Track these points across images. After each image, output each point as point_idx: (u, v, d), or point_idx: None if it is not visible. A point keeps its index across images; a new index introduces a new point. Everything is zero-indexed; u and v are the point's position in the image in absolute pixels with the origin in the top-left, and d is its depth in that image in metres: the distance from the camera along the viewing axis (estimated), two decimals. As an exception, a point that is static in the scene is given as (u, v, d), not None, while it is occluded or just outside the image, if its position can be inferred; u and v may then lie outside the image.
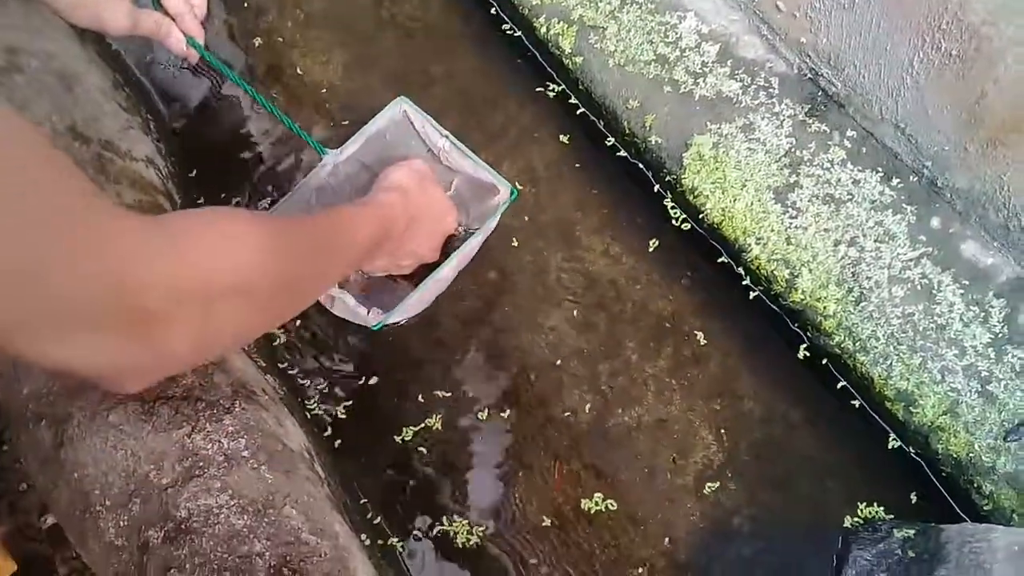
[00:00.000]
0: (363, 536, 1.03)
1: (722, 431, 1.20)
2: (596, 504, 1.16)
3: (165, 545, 0.84)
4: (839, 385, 1.19)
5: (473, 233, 1.20)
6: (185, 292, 0.64)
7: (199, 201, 1.30)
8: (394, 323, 1.19)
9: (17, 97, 0.95)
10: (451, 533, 1.15)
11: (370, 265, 1.15)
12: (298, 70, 1.41)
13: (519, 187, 1.24)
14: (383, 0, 1.48)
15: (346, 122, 1.36)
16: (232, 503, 0.86)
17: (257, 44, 1.43)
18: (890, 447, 1.15)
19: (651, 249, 1.29)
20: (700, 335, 1.25)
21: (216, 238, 0.69)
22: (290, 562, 0.85)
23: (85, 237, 0.55)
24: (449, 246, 1.22)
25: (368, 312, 1.15)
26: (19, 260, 0.52)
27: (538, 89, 1.39)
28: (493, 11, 1.44)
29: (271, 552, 0.85)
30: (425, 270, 1.20)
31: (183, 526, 0.84)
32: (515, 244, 1.30)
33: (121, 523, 0.85)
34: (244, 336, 0.88)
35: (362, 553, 0.95)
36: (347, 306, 1.15)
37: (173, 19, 1.09)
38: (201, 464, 0.87)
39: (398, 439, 1.20)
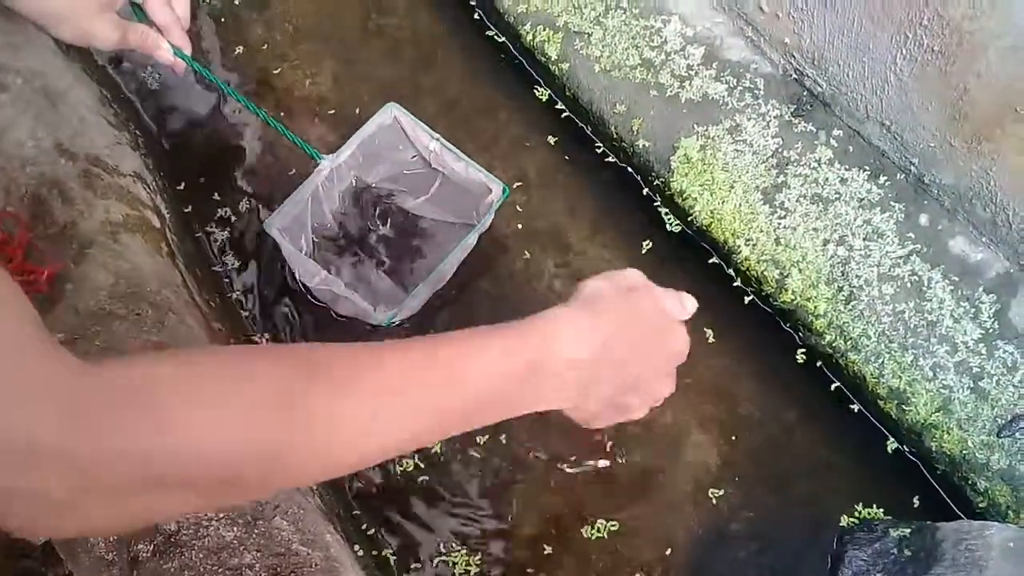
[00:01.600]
0: (356, 546, 1.03)
1: (718, 434, 1.20)
2: (597, 531, 1.16)
3: (155, 559, 0.84)
4: (833, 386, 1.18)
5: (470, 230, 1.21)
6: (116, 482, 0.47)
7: (187, 211, 1.31)
8: (402, 319, 1.20)
9: (1, 116, 0.95)
10: (447, 547, 1.15)
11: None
12: (287, 83, 1.41)
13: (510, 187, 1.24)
14: (371, 12, 1.48)
15: (336, 134, 1.37)
16: (221, 515, 0.86)
17: (246, 57, 1.44)
18: (885, 446, 1.15)
19: (643, 253, 1.29)
20: (693, 338, 1.24)
21: (189, 402, 0.48)
22: (281, 573, 0.85)
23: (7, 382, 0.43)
24: (446, 245, 1.22)
25: (376, 309, 1.16)
26: None
27: (527, 97, 1.39)
28: (479, 20, 1.45)
29: (261, 563, 0.84)
30: (424, 269, 1.22)
31: (172, 539, 0.84)
32: (508, 251, 1.30)
33: (111, 538, 0.85)
34: (196, 510, 0.73)
35: (354, 563, 0.94)
36: (355, 305, 1.15)
37: (160, 31, 1.10)
38: (190, 476, 0.87)
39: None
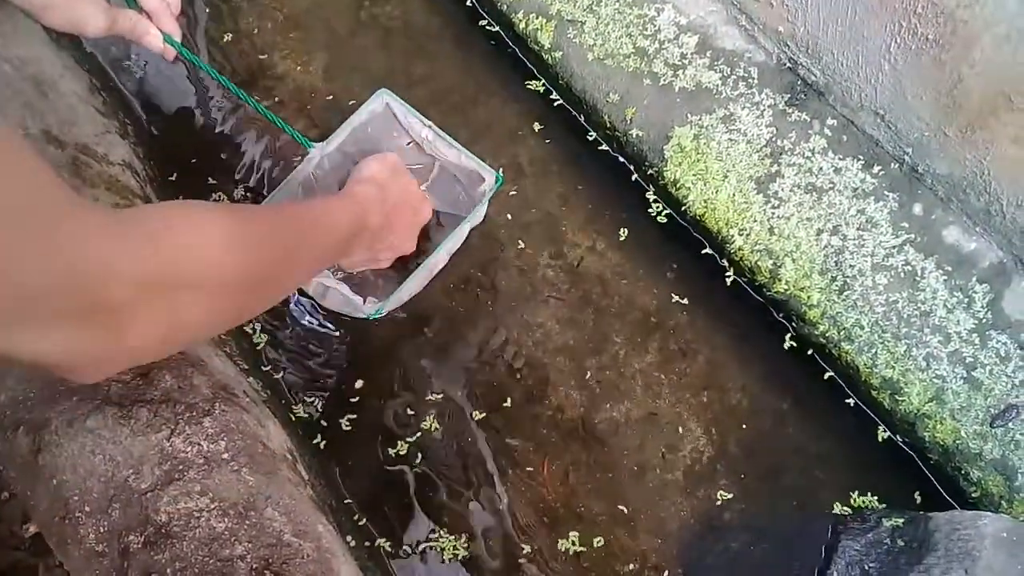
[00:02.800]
0: (348, 537, 1.03)
1: (711, 424, 1.20)
2: (572, 544, 1.16)
3: (146, 550, 0.83)
4: (826, 375, 1.18)
5: (462, 220, 1.20)
6: (148, 284, 0.64)
7: (175, 197, 1.29)
8: (389, 311, 1.19)
9: (-12, 103, 0.94)
10: (438, 534, 1.14)
11: (348, 260, 1.15)
12: (278, 71, 1.40)
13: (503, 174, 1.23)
14: (362, 1, 1.47)
15: (327, 123, 1.36)
16: (213, 506, 0.85)
17: (236, 45, 1.43)
18: (878, 436, 1.15)
19: (636, 243, 1.28)
20: (687, 328, 1.24)
21: (183, 230, 0.69)
22: (272, 564, 0.84)
23: (49, 229, 0.56)
24: (438, 234, 1.22)
25: (364, 302, 1.15)
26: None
27: (520, 86, 1.38)
28: (473, 9, 1.44)
29: (253, 555, 0.84)
30: (401, 263, 1.21)
31: (163, 530, 0.84)
32: (501, 242, 1.29)
33: (101, 529, 0.84)
34: (211, 328, 0.87)
35: (346, 554, 0.94)
36: (341, 297, 1.15)
37: (149, 17, 1.09)
38: (181, 467, 0.86)
39: (384, 438, 1.19)
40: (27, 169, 0.56)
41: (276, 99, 1.38)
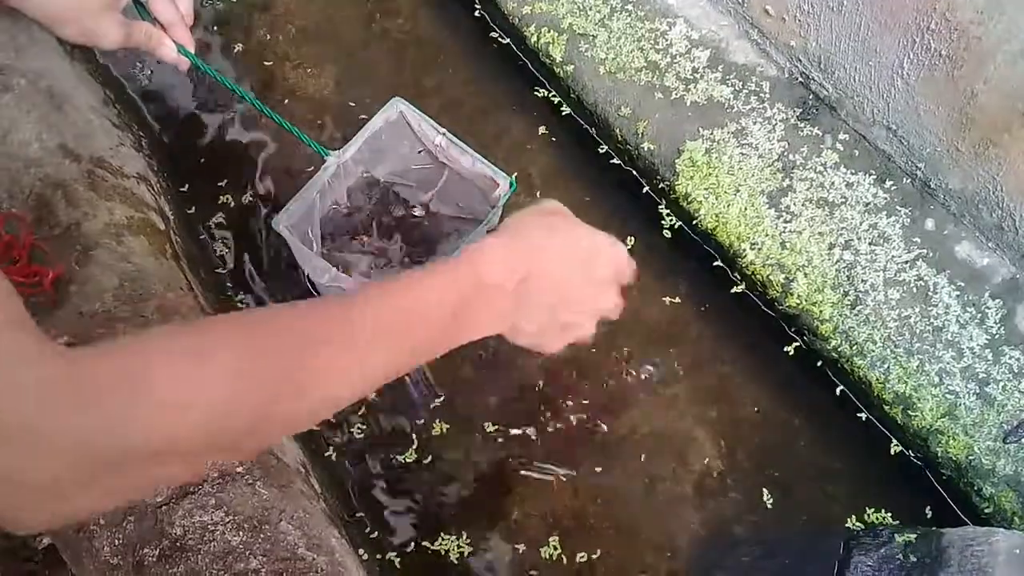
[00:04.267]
0: (360, 551, 1.03)
1: (722, 438, 1.20)
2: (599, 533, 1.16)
3: (160, 563, 0.83)
4: (838, 390, 1.18)
5: (478, 225, 1.21)
6: (96, 460, 0.50)
7: (190, 212, 1.31)
8: None
9: (5, 117, 0.95)
10: (448, 547, 1.14)
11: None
12: (291, 83, 1.41)
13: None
14: (374, 14, 1.48)
15: (340, 135, 1.36)
16: (227, 520, 0.86)
17: (248, 57, 1.43)
18: (891, 451, 1.15)
19: (647, 256, 1.28)
20: (698, 341, 1.24)
21: (165, 387, 0.52)
22: (286, 578, 0.84)
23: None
24: (452, 241, 1.22)
25: None
26: None
27: (530, 98, 1.38)
28: (483, 22, 1.44)
29: (267, 568, 0.84)
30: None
31: (178, 544, 0.84)
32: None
33: (116, 542, 0.85)
34: (181, 482, 0.78)
35: (359, 568, 0.94)
36: None
37: (164, 28, 1.09)
38: (195, 481, 0.86)
39: (395, 450, 1.19)
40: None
41: (288, 111, 1.38)
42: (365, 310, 0.65)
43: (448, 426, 1.20)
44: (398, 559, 1.13)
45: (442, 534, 1.15)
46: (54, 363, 0.49)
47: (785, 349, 1.21)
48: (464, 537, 1.15)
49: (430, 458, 1.19)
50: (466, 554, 1.14)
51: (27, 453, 0.47)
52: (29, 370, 0.47)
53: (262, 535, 0.86)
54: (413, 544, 1.15)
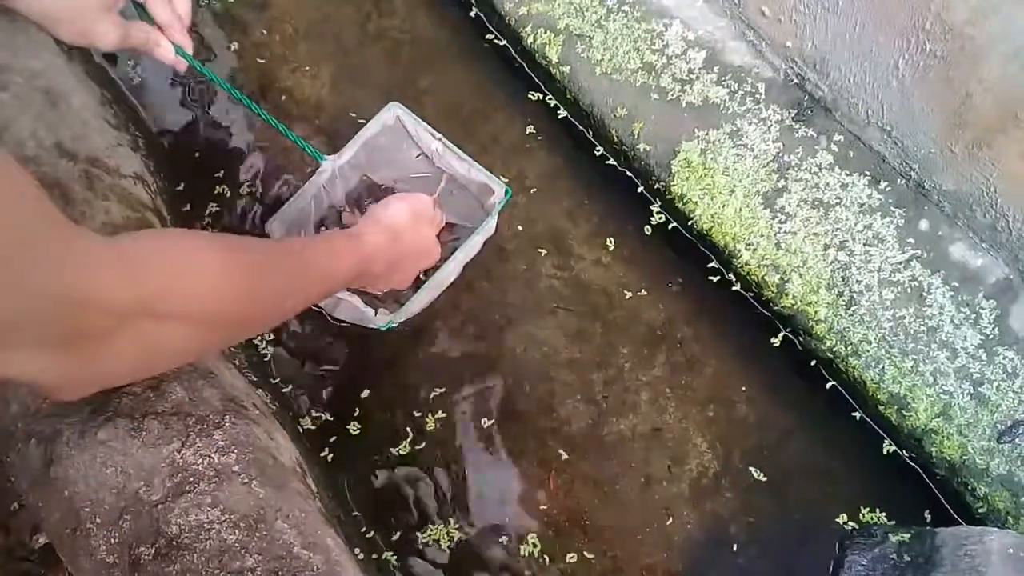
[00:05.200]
0: (356, 550, 1.03)
1: (717, 438, 1.20)
2: (578, 556, 1.16)
3: (156, 562, 0.83)
4: (832, 390, 1.19)
5: (473, 232, 1.21)
6: (129, 314, 0.64)
7: (185, 210, 1.31)
8: (400, 321, 1.20)
9: (2, 115, 0.95)
10: (445, 546, 1.14)
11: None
12: (287, 84, 1.41)
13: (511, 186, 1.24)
14: (371, 14, 1.48)
15: (336, 137, 1.36)
16: (223, 518, 0.85)
17: (245, 58, 1.43)
18: (883, 450, 1.15)
19: (643, 256, 1.29)
20: (693, 342, 1.25)
21: (175, 261, 0.69)
22: (282, 576, 0.84)
23: (37, 253, 0.56)
24: (448, 246, 1.23)
25: (376, 313, 1.16)
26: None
27: (527, 99, 1.39)
28: (480, 23, 1.45)
29: (263, 567, 0.84)
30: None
31: (174, 542, 0.84)
32: (507, 254, 1.30)
33: (112, 540, 0.84)
34: (191, 356, 0.89)
35: (355, 567, 0.94)
36: (354, 308, 1.15)
37: (161, 29, 1.09)
38: (191, 479, 0.86)
39: (391, 451, 1.19)
40: (15, 193, 0.55)
41: (285, 111, 1.38)
42: (310, 262, 0.93)
43: (443, 425, 1.21)
44: (394, 557, 1.13)
45: (436, 531, 1.15)
46: (87, 238, 0.62)
47: (780, 350, 1.22)
48: (457, 535, 1.15)
49: (424, 456, 1.19)
50: (460, 552, 1.14)
51: (72, 310, 0.59)
52: (71, 242, 0.59)
53: (258, 534, 0.86)
54: (408, 542, 1.15)
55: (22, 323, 0.57)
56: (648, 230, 1.29)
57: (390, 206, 1.12)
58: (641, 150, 1.26)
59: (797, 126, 1.22)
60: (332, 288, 1.01)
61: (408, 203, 1.13)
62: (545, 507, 1.17)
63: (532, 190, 1.34)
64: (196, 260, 0.72)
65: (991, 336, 1.09)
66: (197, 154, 1.36)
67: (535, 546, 1.15)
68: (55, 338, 0.60)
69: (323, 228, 1.26)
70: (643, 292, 1.27)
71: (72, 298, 0.58)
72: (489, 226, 1.23)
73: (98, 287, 0.60)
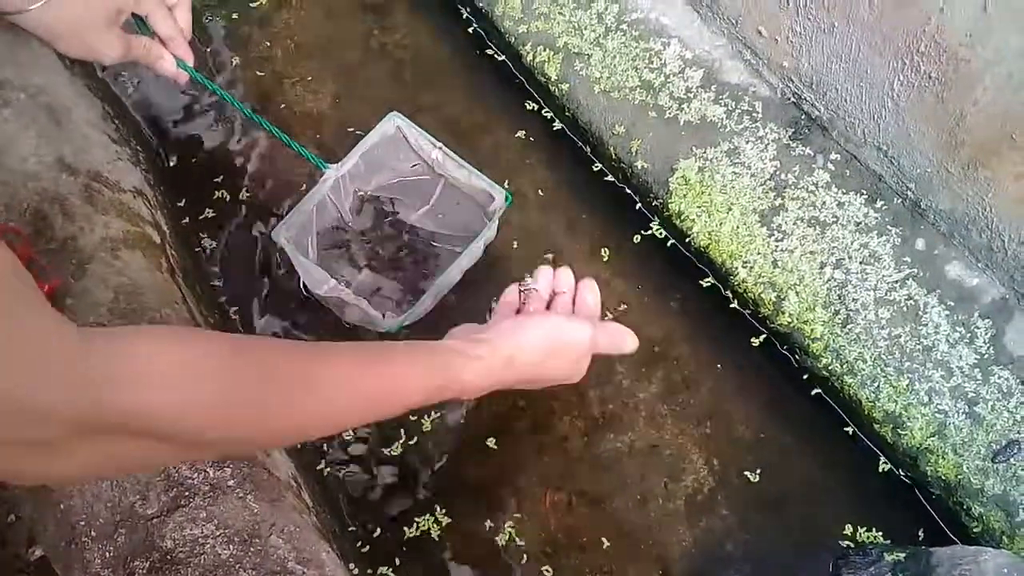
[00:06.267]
0: (352, 565, 1.03)
1: (713, 455, 1.20)
2: (588, 547, 1.16)
3: (151, 576, 0.84)
4: (828, 409, 1.19)
5: (473, 238, 1.23)
6: (99, 428, 0.56)
7: (184, 222, 1.32)
8: (407, 324, 1.21)
9: (5, 131, 0.96)
10: (442, 562, 1.15)
11: None
12: (289, 98, 1.42)
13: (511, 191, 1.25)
14: (373, 30, 1.49)
15: (337, 150, 1.37)
16: (218, 533, 0.86)
17: (248, 72, 1.45)
18: (880, 470, 1.15)
19: (641, 273, 1.29)
20: (690, 359, 1.25)
21: (167, 376, 0.59)
22: (276, 591, 0.85)
23: (5, 346, 0.49)
24: (448, 255, 1.26)
25: (384, 316, 1.17)
26: None
27: (526, 116, 1.40)
28: (480, 40, 1.46)
29: (257, 582, 0.85)
30: (415, 279, 1.25)
31: (168, 557, 0.84)
32: (508, 266, 1.30)
33: (107, 554, 0.85)
34: (155, 467, 0.81)
35: (349, 582, 0.94)
36: (361, 311, 1.16)
37: (163, 43, 1.11)
38: (187, 494, 0.87)
39: (385, 464, 1.19)
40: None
41: (286, 125, 1.39)
42: (351, 373, 0.75)
43: (438, 439, 1.21)
44: (390, 571, 1.13)
45: (431, 549, 1.15)
46: (71, 348, 0.54)
47: (777, 367, 1.22)
48: (452, 553, 1.15)
49: (420, 471, 1.19)
50: (454, 566, 1.14)
51: (33, 421, 0.52)
52: (50, 354, 0.52)
53: (252, 549, 0.86)
54: (404, 559, 1.15)
55: None
56: (645, 246, 1.30)
57: (523, 330, 0.92)
58: (639, 167, 1.26)
59: (794, 145, 1.22)
60: (391, 415, 0.80)
61: (547, 330, 0.93)
62: (541, 523, 1.17)
63: (531, 205, 1.34)
64: (191, 374, 0.61)
65: (986, 355, 1.09)
66: (198, 167, 1.37)
67: (530, 559, 1.15)
68: (11, 441, 0.52)
69: (337, 249, 1.28)
70: (641, 308, 1.28)
71: (32, 406, 0.51)
72: (490, 232, 1.25)
73: (66, 399, 0.53)
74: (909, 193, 1.16)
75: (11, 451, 0.53)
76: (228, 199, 1.35)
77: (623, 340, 1.01)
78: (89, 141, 1.07)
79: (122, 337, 0.60)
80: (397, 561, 1.15)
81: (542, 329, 0.93)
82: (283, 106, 1.42)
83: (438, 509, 1.17)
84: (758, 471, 1.19)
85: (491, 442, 1.20)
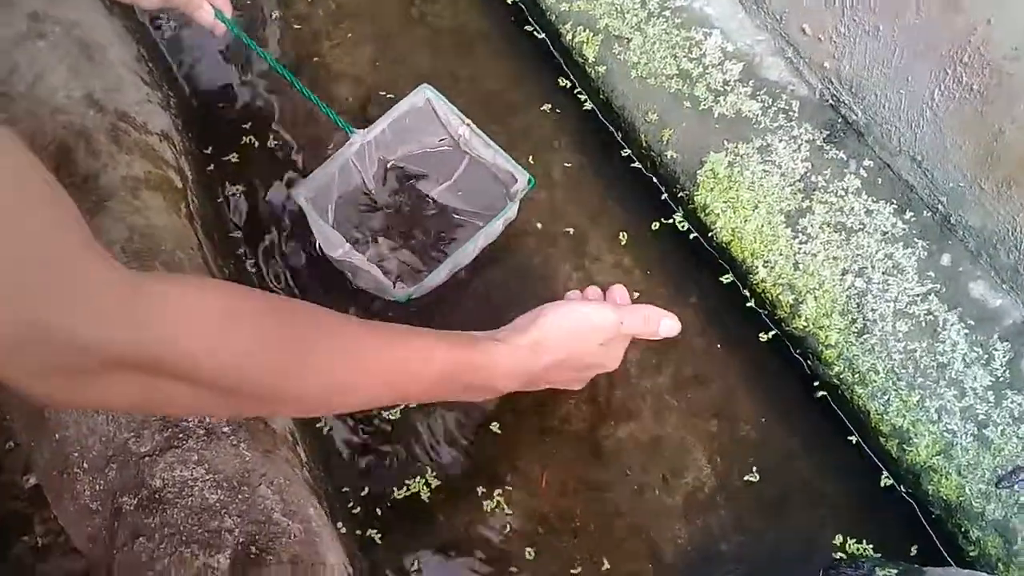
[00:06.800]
0: (339, 524, 1.03)
1: (716, 454, 1.19)
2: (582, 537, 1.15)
3: (137, 512, 0.85)
4: (835, 418, 1.17)
5: (493, 217, 1.23)
6: (130, 364, 0.57)
7: (209, 170, 1.33)
8: (417, 296, 1.21)
9: (37, 63, 0.97)
10: (428, 526, 1.15)
11: None
12: (325, 59, 1.42)
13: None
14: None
15: (368, 115, 1.37)
16: (207, 477, 0.87)
17: (287, 29, 1.45)
18: (880, 482, 1.14)
19: (661, 264, 1.28)
20: (703, 354, 1.24)
21: (195, 320, 0.61)
22: (258, 540, 0.85)
23: (44, 274, 0.51)
24: (466, 229, 1.26)
25: (395, 285, 1.17)
26: None
27: (559, 96, 1.39)
28: (522, 15, 1.45)
29: (240, 529, 0.85)
30: (429, 251, 1.25)
31: (156, 495, 0.85)
32: (527, 247, 1.30)
33: (97, 487, 0.86)
34: (182, 413, 0.83)
35: (335, 539, 0.95)
36: (372, 278, 1.16)
37: None
38: (181, 436, 0.88)
39: (385, 427, 1.20)
40: (37, 199, 0.51)
41: (318, 85, 1.39)
42: (380, 352, 0.76)
43: (441, 413, 1.21)
44: (379, 536, 1.13)
45: (424, 522, 1.15)
46: (119, 287, 0.56)
47: (788, 371, 1.20)
48: (444, 525, 1.15)
49: (421, 445, 1.19)
50: (442, 534, 1.14)
51: (71, 353, 0.54)
52: (97, 291, 0.54)
53: (240, 496, 0.87)
54: (394, 525, 1.15)
55: (22, 348, 0.52)
56: (666, 236, 1.28)
57: (543, 316, 0.92)
58: (668, 157, 1.25)
59: (828, 147, 1.20)
60: (420, 394, 0.84)
61: (568, 313, 0.93)
62: (535, 504, 1.16)
63: (556, 187, 1.34)
64: (234, 325, 0.63)
65: (1001, 379, 1.07)
66: (227, 118, 1.38)
67: (533, 550, 1.14)
68: (39, 364, 0.54)
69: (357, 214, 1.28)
70: (659, 299, 1.26)
71: (72, 339, 0.53)
72: (510, 212, 1.24)
73: (99, 332, 0.54)
74: (940, 206, 1.14)
75: (46, 377, 0.55)
76: (255, 149, 1.36)
77: (658, 322, 0.99)
78: (121, 80, 1.08)
79: (170, 283, 0.61)
80: (384, 524, 1.15)
81: (562, 313, 0.92)
82: (318, 65, 1.42)
83: (429, 472, 1.17)
84: (761, 473, 1.17)
85: (492, 419, 1.20)
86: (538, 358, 0.90)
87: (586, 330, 0.93)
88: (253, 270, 1.27)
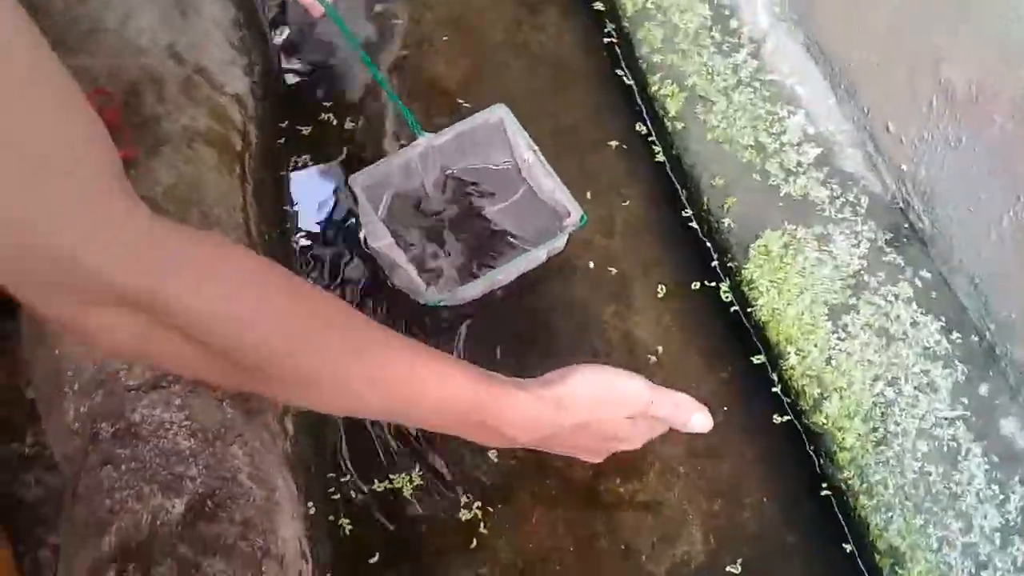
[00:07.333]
0: (311, 504, 1.03)
1: (712, 533, 1.16)
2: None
3: (112, 441, 0.87)
4: (835, 522, 1.13)
5: (539, 245, 1.24)
6: (140, 308, 0.57)
7: (280, 142, 1.37)
8: (448, 305, 1.23)
9: (131, 3, 1.01)
10: (406, 526, 1.14)
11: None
12: (417, 63, 1.46)
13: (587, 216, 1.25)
14: (522, 24, 1.51)
15: (442, 123, 1.39)
16: (185, 423, 0.88)
17: (389, 27, 1.49)
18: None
19: (699, 330, 1.26)
20: (722, 432, 1.20)
21: (214, 277, 0.60)
22: (217, 495, 0.86)
23: (84, 215, 0.51)
24: (511, 254, 1.26)
25: (427, 288, 1.18)
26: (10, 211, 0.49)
27: (635, 144, 1.39)
28: (616, 59, 1.45)
29: (203, 480, 0.86)
30: (472, 266, 1.26)
31: (132, 429, 0.87)
32: (571, 283, 1.30)
33: (80, 409, 0.89)
34: (171, 368, 0.79)
35: (296, 515, 0.95)
36: (409, 279, 1.18)
37: None
38: (170, 378, 0.89)
39: (385, 451, 1.20)
40: (84, 144, 0.51)
41: (404, 85, 1.43)
42: (392, 358, 0.71)
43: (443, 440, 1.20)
44: (350, 526, 1.14)
45: (397, 514, 1.15)
46: (139, 229, 0.55)
47: (801, 466, 1.16)
48: (420, 528, 1.14)
49: (419, 467, 1.19)
50: (422, 546, 1.13)
51: (83, 283, 0.54)
52: (119, 230, 0.53)
53: (211, 449, 0.88)
54: (365, 516, 1.15)
55: (40, 274, 0.53)
56: (706, 302, 1.26)
57: (572, 373, 0.83)
58: (726, 224, 1.23)
59: (888, 250, 1.17)
60: (426, 415, 0.76)
61: (598, 375, 0.84)
62: (523, 540, 1.15)
63: (615, 233, 1.33)
64: (251, 291, 0.62)
65: (1012, 523, 1.01)
66: (309, 97, 1.42)
67: (493, 563, 1.13)
68: (46, 283, 0.54)
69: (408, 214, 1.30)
70: (689, 366, 1.24)
71: (86, 274, 0.53)
72: (558, 244, 1.24)
73: (122, 280, 0.54)
74: (988, 334, 1.09)
75: (50, 295, 0.56)
76: (327, 136, 1.40)
77: (690, 413, 0.89)
78: (208, 38, 1.12)
79: (196, 238, 0.60)
80: (355, 514, 1.15)
81: (593, 374, 0.84)
82: (411, 67, 1.45)
83: (416, 470, 1.17)
84: (752, 563, 1.13)
85: (497, 450, 1.19)
86: (559, 415, 0.81)
87: (614, 398, 0.85)
88: (296, 245, 1.30)
